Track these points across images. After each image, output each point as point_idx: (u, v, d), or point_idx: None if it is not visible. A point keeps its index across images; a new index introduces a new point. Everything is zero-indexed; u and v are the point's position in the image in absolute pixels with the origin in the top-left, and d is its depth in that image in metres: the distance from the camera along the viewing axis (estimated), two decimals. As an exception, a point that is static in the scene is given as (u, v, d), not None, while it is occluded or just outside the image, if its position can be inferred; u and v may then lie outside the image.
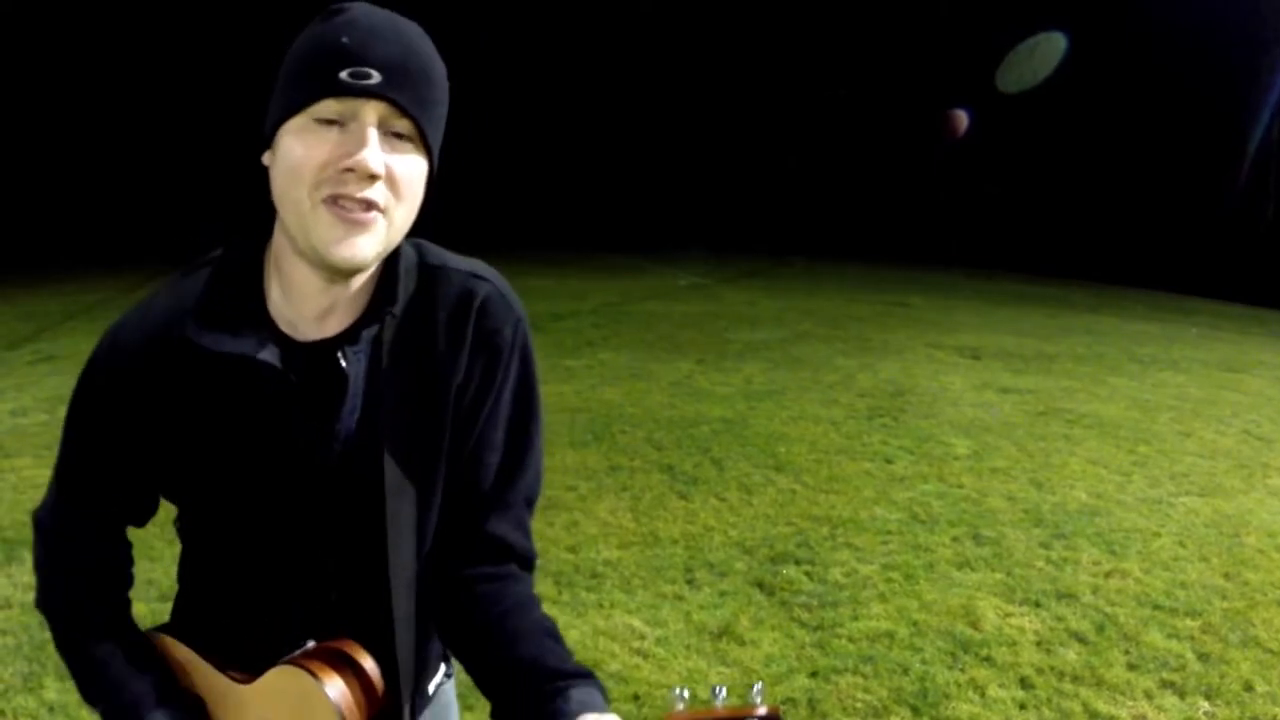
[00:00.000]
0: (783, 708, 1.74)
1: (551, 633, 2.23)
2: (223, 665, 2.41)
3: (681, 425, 11.57)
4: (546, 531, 8.17)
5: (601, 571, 7.68)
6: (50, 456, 2.36)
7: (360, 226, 2.01)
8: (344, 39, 1.97)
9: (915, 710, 5.92)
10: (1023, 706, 5.97)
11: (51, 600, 2.46)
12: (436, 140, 2.13)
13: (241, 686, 2.36)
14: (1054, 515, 8.97)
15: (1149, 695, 6.10)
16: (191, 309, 2.17)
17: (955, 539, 8.41)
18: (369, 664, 2.30)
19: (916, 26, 35.64)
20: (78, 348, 15.51)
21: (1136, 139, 28.84)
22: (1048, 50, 30.01)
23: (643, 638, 6.66)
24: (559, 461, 9.98)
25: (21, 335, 17.32)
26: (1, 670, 6.27)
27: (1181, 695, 6.12)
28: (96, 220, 31.34)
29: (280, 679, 2.29)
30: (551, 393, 12.83)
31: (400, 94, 1.99)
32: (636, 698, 5.96)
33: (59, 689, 6.05)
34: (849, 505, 9.14)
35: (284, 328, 2.21)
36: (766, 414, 12.17)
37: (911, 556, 8.04)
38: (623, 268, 28.04)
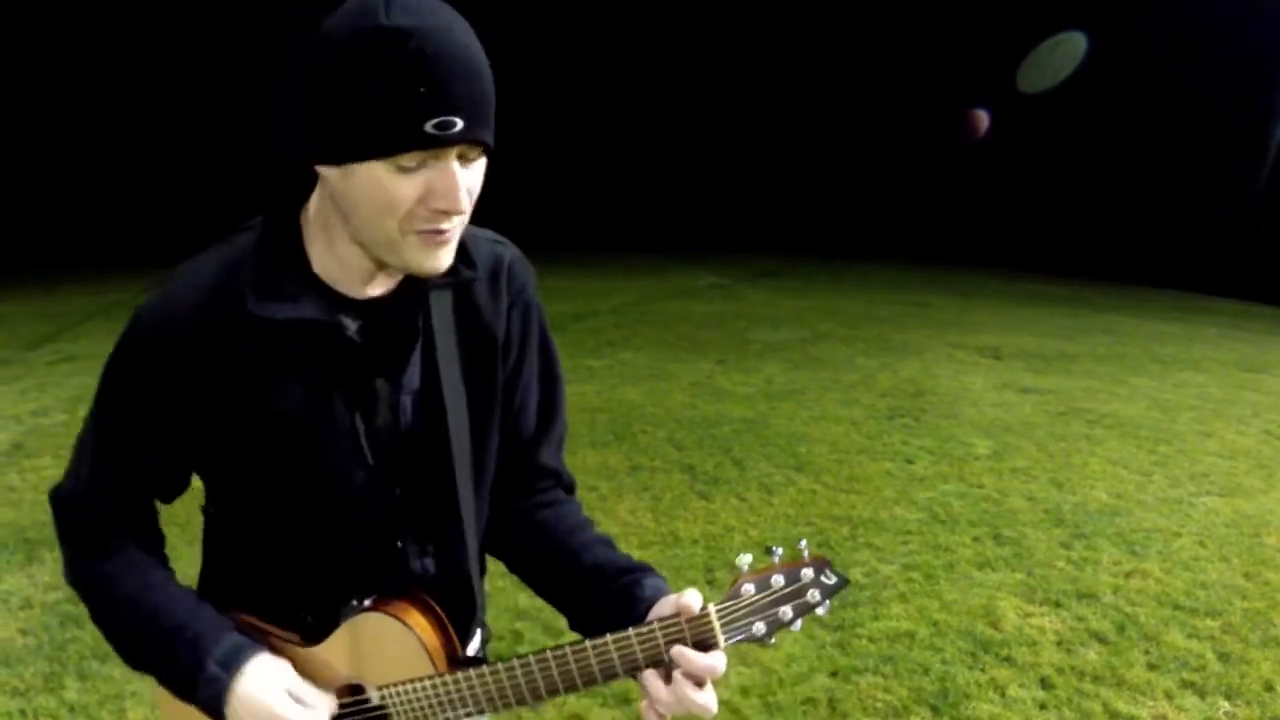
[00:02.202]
0: (829, 555, 1.99)
1: (610, 543, 2.55)
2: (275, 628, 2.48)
3: (702, 425, 11.58)
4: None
5: (622, 571, 7.68)
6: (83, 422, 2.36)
7: (445, 245, 2.13)
8: (421, 88, 1.94)
9: (935, 710, 5.92)
10: (1043, 706, 5.98)
11: (84, 570, 2.46)
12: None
13: (304, 649, 2.43)
14: (1074, 515, 8.96)
15: (1169, 695, 6.10)
16: (243, 278, 2.20)
17: (976, 539, 8.41)
18: (437, 607, 2.44)
19: (929, 26, 35.58)
20: (97, 347, 15.51)
21: (1156, 138, 28.75)
22: (1069, 49, 29.94)
23: (663, 638, 6.66)
24: (580, 461, 9.99)
25: (42, 335, 17.34)
26: (23, 670, 6.30)
27: (1202, 695, 6.12)
28: (116, 220, 31.36)
29: (358, 629, 2.38)
30: (572, 393, 12.80)
31: (480, 131, 2.03)
32: (657, 697, 5.97)
33: (79, 689, 6.08)
34: (869, 505, 9.14)
35: (331, 282, 2.28)
36: (787, 414, 12.17)
37: (932, 556, 8.05)
38: (643, 268, 28.01)
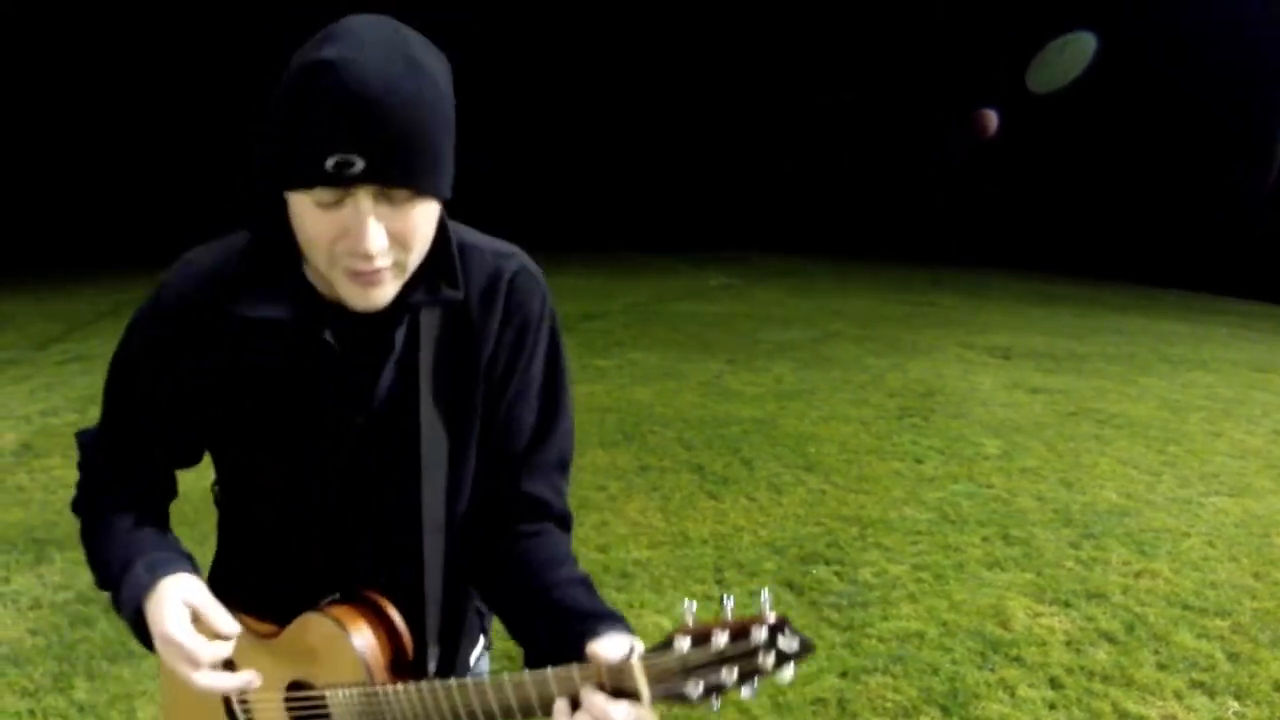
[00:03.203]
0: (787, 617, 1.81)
1: (584, 582, 2.38)
2: (259, 616, 2.55)
3: (711, 425, 11.58)
4: (576, 531, 8.14)
5: (631, 571, 7.70)
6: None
7: (376, 285, 2.12)
8: (326, 124, 1.92)
9: (945, 710, 5.92)
10: (1052, 706, 5.98)
11: (87, 501, 2.61)
12: (443, 178, 2.11)
13: (267, 640, 2.50)
14: (1084, 515, 8.96)
15: (1179, 695, 6.10)
16: (230, 276, 2.27)
17: (985, 539, 8.41)
18: (394, 614, 2.45)
19: (937, 27, 35.59)
20: (107, 347, 15.41)
21: (1166, 138, 28.75)
22: (1078, 50, 29.93)
23: (673, 638, 6.66)
24: (589, 461, 10.01)
25: (51, 335, 17.36)
26: (31, 670, 6.31)
27: (1211, 695, 6.12)
28: (125, 221, 31.39)
29: (305, 628, 2.44)
30: (582, 392, 12.84)
31: (387, 174, 1.98)
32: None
33: (89, 689, 6.10)
34: (879, 505, 9.14)
35: (321, 288, 2.30)
36: (796, 414, 12.17)
37: (941, 556, 8.05)
38: (652, 268, 28.01)
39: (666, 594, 7.34)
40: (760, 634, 1.88)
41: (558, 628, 2.25)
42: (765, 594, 1.93)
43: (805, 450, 10.68)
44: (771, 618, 1.89)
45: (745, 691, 1.91)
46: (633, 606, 7.12)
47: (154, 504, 2.62)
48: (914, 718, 5.87)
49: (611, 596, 7.24)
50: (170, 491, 2.68)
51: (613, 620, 2.20)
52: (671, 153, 40.37)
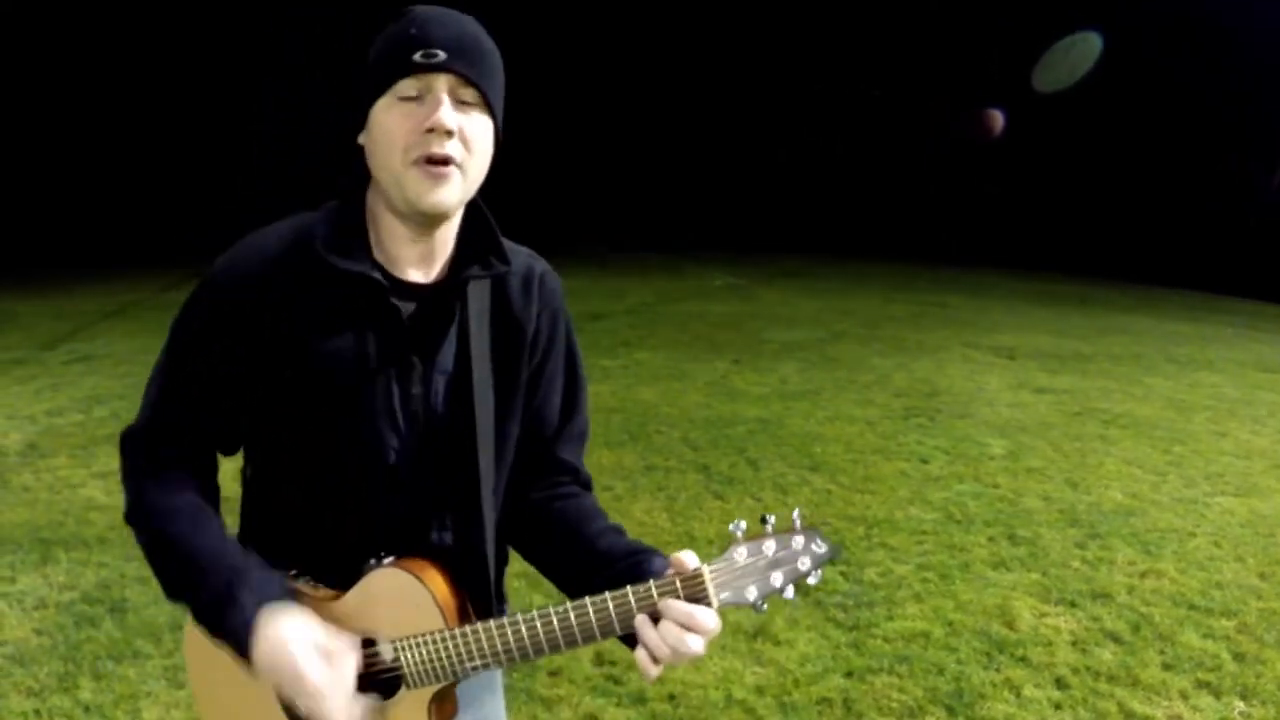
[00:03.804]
0: (822, 526, 2.08)
1: (620, 530, 2.70)
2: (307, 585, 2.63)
3: (717, 425, 11.59)
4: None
5: (637, 571, 7.69)
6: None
7: (442, 180, 2.40)
8: (412, 30, 2.39)
9: (951, 710, 5.93)
10: (1058, 706, 5.98)
11: (142, 507, 2.61)
12: (499, 106, 2.54)
13: (329, 605, 2.55)
14: (1089, 515, 8.96)
15: (1184, 695, 6.10)
16: (317, 235, 2.50)
17: (991, 539, 8.41)
18: (449, 572, 2.59)
19: (944, 27, 35.57)
20: (113, 347, 15.58)
21: (1172, 138, 28.74)
22: (1084, 50, 29.91)
23: (678, 638, 6.66)
24: (595, 461, 9.95)
25: (57, 335, 17.36)
26: (37, 670, 6.31)
27: (1217, 695, 6.12)
28: (131, 221, 31.41)
29: (373, 584, 2.53)
30: (587, 392, 12.87)
31: (464, 66, 2.40)
32: (672, 697, 5.98)
33: (94, 689, 6.10)
34: (884, 505, 9.15)
35: (388, 268, 2.56)
36: (802, 414, 12.17)
37: (947, 556, 8.05)
38: (658, 268, 28.01)
39: (672, 594, 7.34)
40: (800, 540, 2.34)
41: (610, 568, 2.54)
42: (796, 511, 2.35)
43: (811, 450, 10.68)
44: (806, 526, 2.36)
45: (789, 593, 2.35)
46: (638, 606, 7.12)
47: (211, 497, 2.69)
48: (919, 717, 5.87)
49: (617, 596, 7.24)
50: (216, 478, 2.75)
51: (655, 553, 2.55)
52: (678, 153, 40.38)
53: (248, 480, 2.77)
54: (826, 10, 37.91)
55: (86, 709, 5.92)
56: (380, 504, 2.61)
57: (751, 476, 9.86)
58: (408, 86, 2.39)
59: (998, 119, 33.46)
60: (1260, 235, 26.17)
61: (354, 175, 2.63)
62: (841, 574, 7.70)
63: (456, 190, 2.46)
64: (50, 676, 6.25)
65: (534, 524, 2.81)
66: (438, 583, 2.51)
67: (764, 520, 2.34)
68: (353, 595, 2.54)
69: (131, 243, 29.43)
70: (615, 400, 12.72)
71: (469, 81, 2.43)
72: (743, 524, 2.30)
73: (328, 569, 2.62)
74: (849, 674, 6.30)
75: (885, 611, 7.12)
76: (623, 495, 9.26)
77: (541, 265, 2.83)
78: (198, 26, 33.49)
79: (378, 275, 2.50)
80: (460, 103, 2.43)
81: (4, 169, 30.78)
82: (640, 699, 5.93)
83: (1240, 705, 6.02)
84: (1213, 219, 27.38)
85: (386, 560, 2.56)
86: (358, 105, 2.54)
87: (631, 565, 2.51)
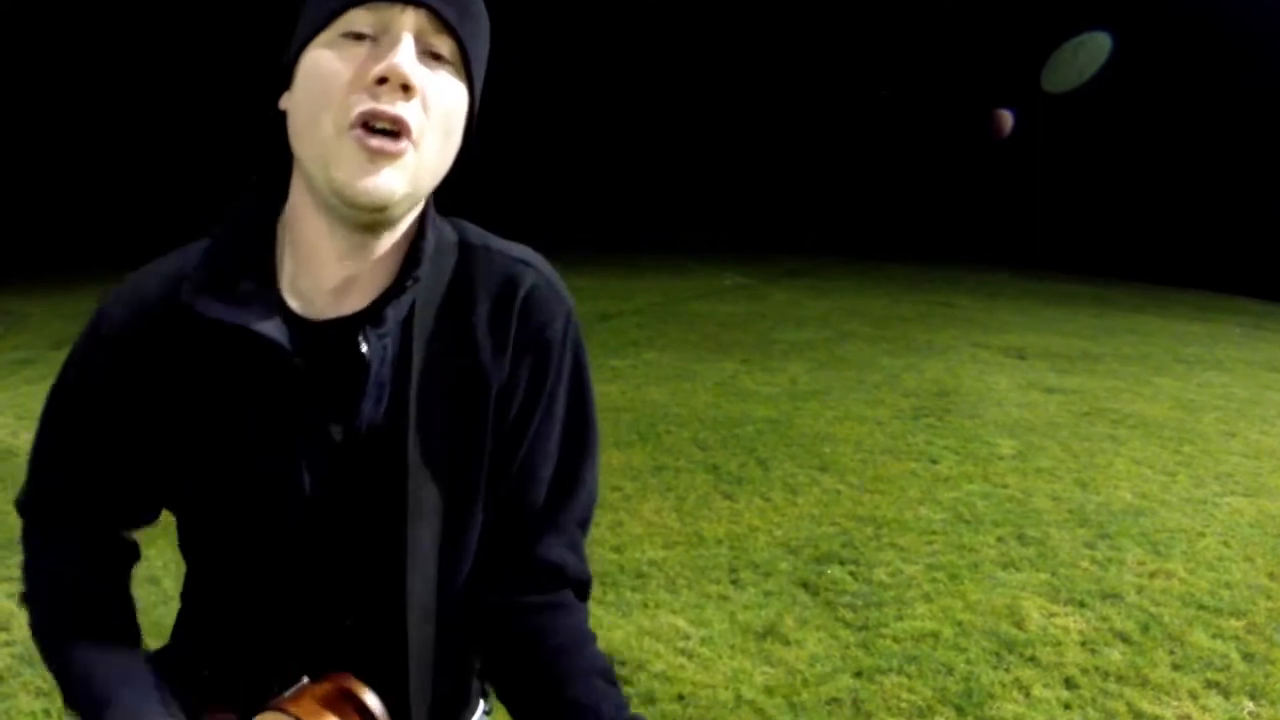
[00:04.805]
0: None
1: (605, 674, 2.00)
2: (221, 699, 2.13)
3: (726, 425, 11.59)
4: (592, 532, 8.18)
5: (646, 571, 7.70)
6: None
7: (386, 157, 1.78)
8: None
9: (960, 710, 5.92)
10: (1067, 706, 5.97)
11: (36, 587, 2.18)
12: (479, 72, 1.94)
13: None
14: (1098, 515, 8.95)
15: (1194, 695, 6.09)
16: (192, 273, 1.91)
17: (1000, 539, 8.41)
18: (372, 701, 1.97)
19: (952, 26, 35.55)
20: (125, 348, 15.55)
21: (1180, 137, 28.69)
22: (1093, 50, 29.85)
23: (687, 638, 6.68)
24: (604, 462, 9.95)
25: (67, 335, 17.29)
26: (46, 671, 6.29)
27: (1226, 695, 6.11)
28: (138, 220, 31.44)
29: None
30: (597, 393, 12.82)
31: (443, 4, 1.80)
32: (681, 698, 5.98)
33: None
34: (894, 505, 9.14)
35: (296, 306, 1.95)
36: (811, 414, 12.17)
37: (956, 556, 8.05)
38: (668, 268, 28.01)
39: (682, 594, 7.35)
40: None
41: None
42: None
43: (820, 450, 10.68)
44: None
45: None
46: (648, 606, 7.13)
47: (114, 583, 2.23)
48: (929, 718, 5.87)
49: (626, 596, 7.26)
50: (131, 554, 2.28)
51: None
52: (687, 153, 40.36)
53: (183, 551, 2.24)
54: (836, 10, 37.90)
55: (96, 709, 5.93)
56: (290, 618, 2.07)
57: (761, 476, 9.86)
58: (358, 19, 1.78)
59: (1007, 119, 33.43)
60: (1270, 235, 26.10)
61: (265, 165, 2.03)
62: (851, 574, 7.70)
63: (405, 178, 1.82)
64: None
65: (496, 638, 2.08)
66: None
67: None
68: None
69: (140, 243, 29.44)
70: (624, 400, 12.74)
71: (445, 26, 1.82)
72: None
73: (253, 680, 2.04)
74: (858, 674, 6.30)
75: (895, 611, 7.11)
76: (632, 495, 9.26)
77: (531, 278, 2.07)
78: (203, 26, 33.51)
79: (265, 326, 1.86)
80: (429, 54, 1.82)
81: (13, 170, 30.83)
82: (649, 699, 5.93)
83: (1249, 705, 6.01)
84: (1221, 218, 27.32)
85: (293, 690, 1.95)
86: (283, 55, 1.92)
87: None
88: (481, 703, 2.38)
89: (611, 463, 10.08)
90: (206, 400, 1.95)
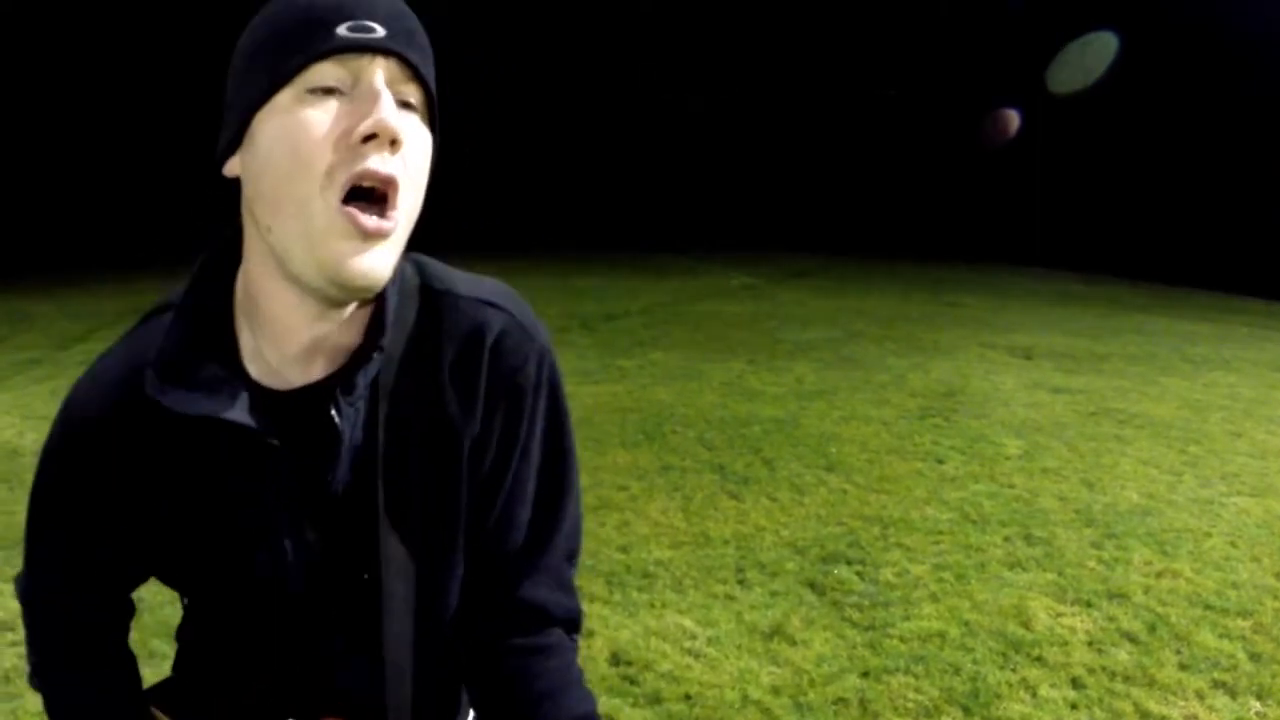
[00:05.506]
0: None
1: (588, 718, 2.00)
2: None
3: (733, 425, 11.60)
4: (598, 532, 8.21)
5: (653, 571, 7.71)
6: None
7: (379, 237, 1.71)
8: (332, 1, 1.71)
9: (967, 710, 5.93)
10: (1074, 706, 5.98)
11: (45, 678, 2.24)
12: (436, 114, 1.86)
13: None
14: (1105, 515, 8.95)
15: (1200, 695, 6.10)
16: (151, 362, 1.86)
17: (1007, 539, 8.41)
18: None
19: (957, 26, 35.54)
20: (132, 348, 15.57)
21: (1187, 137, 28.66)
22: (1099, 50, 29.82)
23: (694, 638, 6.68)
24: (610, 461, 10.01)
25: (72, 336, 17.42)
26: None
27: (1233, 695, 6.11)
28: (146, 220, 31.46)
29: None
30: (604, 393, 12.88)
31: (406, 48, 1.74)
32: (688, 697, 5.99)
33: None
34: (900, 505, 9.15)
35: (261, 377, 1.91)
36: (818, 414, 12.17)
37: (963, 556, 8.05)
38: (674, 268, 28.01)
39: (688, 594, 7.36)
40: None
41: None
42: None
43: (827, 450, 10.69)
44: None
45: None
46: (654, 606, 7.14)
47: (116, 650, 2.29)
48: (936, 718, 5.87)
49: (633, 597, 7.27)
50: (128, 614, 2.31)
51: None
52: (693, 152, 40.37)
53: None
54: (842, 10, 37.91)
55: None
56: (283, 665, 2.09)
57: (767, 476, 9.87)
58: (326, 73, 1.70)
59: (1013, 119, 33.40)
60: (1278, 235, 26.07)
61: (215, 230, 1.99)
62: (857, 574, 7.71)
63: (394, 249, 1.78)
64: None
65: (481, 682, 2.10)
66: None
67: None
68: None
69: (147, 243, 29.48)
70: (630, 400, 12.74)
71: (415, 73, 1.77)
72: None
73: (243, 715, 2.14)
74: (865, 674, 6.30)
75: (901, 611, 7.12)
76: (638, 495, 9.26)
77: (500, 321, 2.00)
78: (211, 26, 33.57)
79: (232, 412, 1.82)
80: (400, 103, 1.76)
81: (19, 170, 30.85)
82: (656, 699, 5.94)
83: (1256, 705, 6.01)
84: (1227, 218, 27.28)
85: None
86: (227, 117, 1.85)
87: None
88: (472, 712, 2.34)
89: (618, 463, 10.08)
90: (183, 480, 1.94)
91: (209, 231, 2.02)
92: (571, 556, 2.14)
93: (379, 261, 1.73)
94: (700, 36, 39.17)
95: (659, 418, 11.90)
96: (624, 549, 8.11)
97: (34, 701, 6.01)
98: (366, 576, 1.98)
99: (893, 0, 37.10)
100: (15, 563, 7.84)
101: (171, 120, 33.38)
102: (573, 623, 2.12)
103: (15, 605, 6.94)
